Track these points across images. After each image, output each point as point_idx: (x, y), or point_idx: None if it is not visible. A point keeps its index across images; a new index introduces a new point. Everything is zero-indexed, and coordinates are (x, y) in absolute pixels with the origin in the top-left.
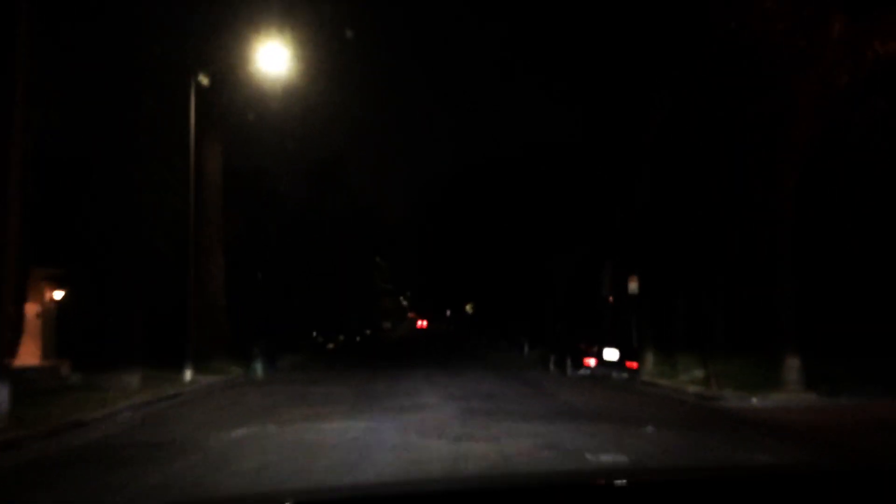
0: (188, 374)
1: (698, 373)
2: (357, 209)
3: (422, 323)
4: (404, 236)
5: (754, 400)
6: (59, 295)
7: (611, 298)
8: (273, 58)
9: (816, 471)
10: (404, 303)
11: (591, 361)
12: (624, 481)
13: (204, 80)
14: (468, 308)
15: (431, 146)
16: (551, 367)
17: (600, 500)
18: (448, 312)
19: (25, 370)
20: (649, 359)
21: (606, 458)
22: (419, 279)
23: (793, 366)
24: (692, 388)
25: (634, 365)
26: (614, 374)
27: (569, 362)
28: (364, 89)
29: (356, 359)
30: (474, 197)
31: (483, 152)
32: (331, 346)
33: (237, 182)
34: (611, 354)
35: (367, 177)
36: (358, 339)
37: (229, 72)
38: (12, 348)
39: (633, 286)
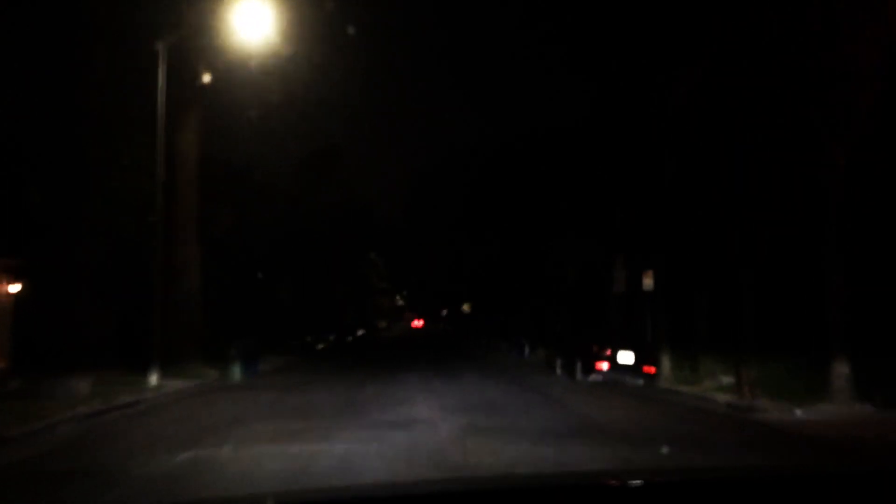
0: (153, 378)
1: (726, 378)
2: (352, 203)
3: (418, 322)
4: (400, 232)
5: (798, 412)
6: (14, 288)
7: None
8: (257, 25)
9: (835, 472)
10: (401, 302)
11: (604, 365)
12: (639, 482)
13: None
14: (465, 307)
15: (430, 136)
16: (558, 370)
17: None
18: (445, 312)
19: None
20: (666, 362)
21: None
22: (415, 277)
23: (842, 372)
24: (721, 397)
25: (652, 370)
26: (629, 380)
27: (578, 366)
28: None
29: (347, 360)
30: (472, 188)
31: (483, 140)
32: (321, 346)
33: (225, 173)
34: (626, 358)
35: (363, 171)
36: (350, 339)
37: (207, 43)
38: None
39: (647, 282)
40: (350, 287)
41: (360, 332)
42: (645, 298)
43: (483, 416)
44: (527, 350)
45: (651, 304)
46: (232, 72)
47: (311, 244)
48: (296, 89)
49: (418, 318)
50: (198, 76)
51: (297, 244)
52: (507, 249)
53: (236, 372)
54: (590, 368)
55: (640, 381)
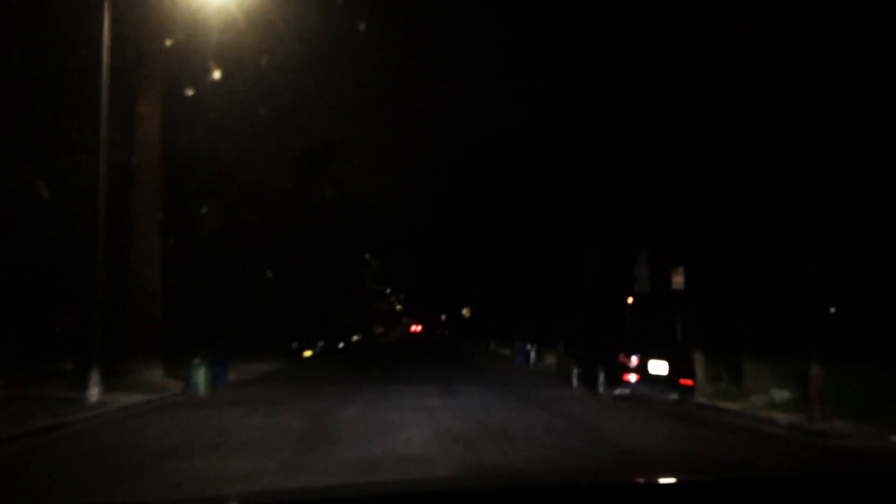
0: (94, 393)
1: (780, 393)
2: (346, 202)
3: (416, 327)
4: (397, 233)
5: None
6: None
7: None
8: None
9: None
10: (398, 306)
11: (633, 377)
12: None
13: None
14: (465, 312)
15: (429, 128)
16: (574, 382)
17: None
18: (444, 317)
19: None
20: (700, 372)
21: None
22: (413, 279)
23: None
24: (780, 416)
25: (690, 382)
26: (661, 394)
27: (601, 377)
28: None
29: (334, 369)
30: (474, 180)
31: (487, 127)
32: (307, 353)
33: (211, 170)
34: (658, 368)
35: (359, 169)
36: (342, 345)
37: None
38: None
39: (678, 279)
40: (344, 290)
41: (354, 338)
42: (673, 298)
43: (494, 450)
44: (533, 356)
45: (682, 305)
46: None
47: (302, 244)
48: (290, 86)
49: (416, 322)
50: (157, 40)
51: (287, 244)
52: (514, 242)
53: (200, 383)
54: (615, 380)
55: (675, 396)
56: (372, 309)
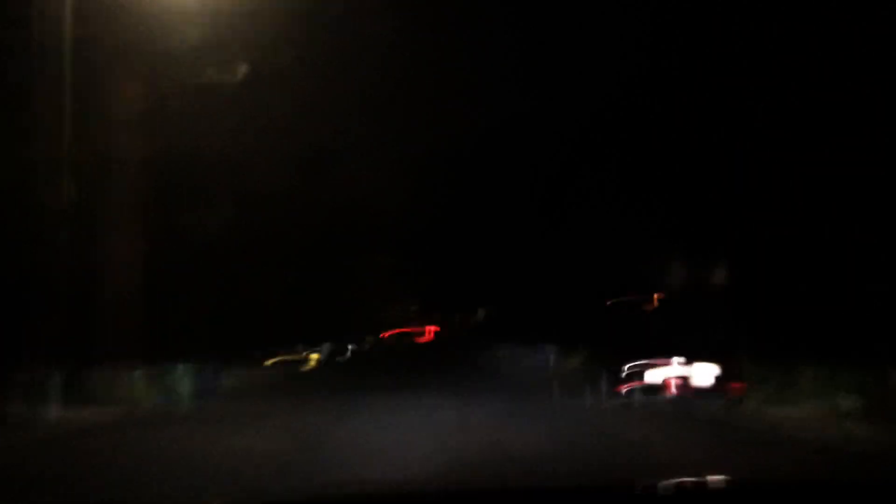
0: (52, 410)
1: (846, 400)
2: (354, 203)
3: (428, 331)
4: (409, 234)
5: None
6: None
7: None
8: None
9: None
10: (411, 309)
11: (673, 384)
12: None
13: None
14: (478, 315)
15: (435, 127)
16: (603, 389)
17: None
18: (459, 318)
19: None
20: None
21: None
22: (427, 281)
23: None
24: (857, 429)
25: (740, 387)
26: (704, 403)
27: (636, 385)
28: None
29: (340, 377)
30: (488, 175)
31: (498, 119)
32: (314, 359)
33: (211, 176)
34: (703, 373)
35: (367, 170)
36: (349, 351)
37: None
38: None
39: (718, 276)
40: (355, 293)
41: (365, 343)
42: (711, 297)
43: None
44: (552, 360)
45: (724, 304)
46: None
47: (309, 247)
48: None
49: (429, 326)
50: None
51: (294, 246)
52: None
53: (184, 395)
54: (653, 388)
55: (721, 404)
56: (386, 311)
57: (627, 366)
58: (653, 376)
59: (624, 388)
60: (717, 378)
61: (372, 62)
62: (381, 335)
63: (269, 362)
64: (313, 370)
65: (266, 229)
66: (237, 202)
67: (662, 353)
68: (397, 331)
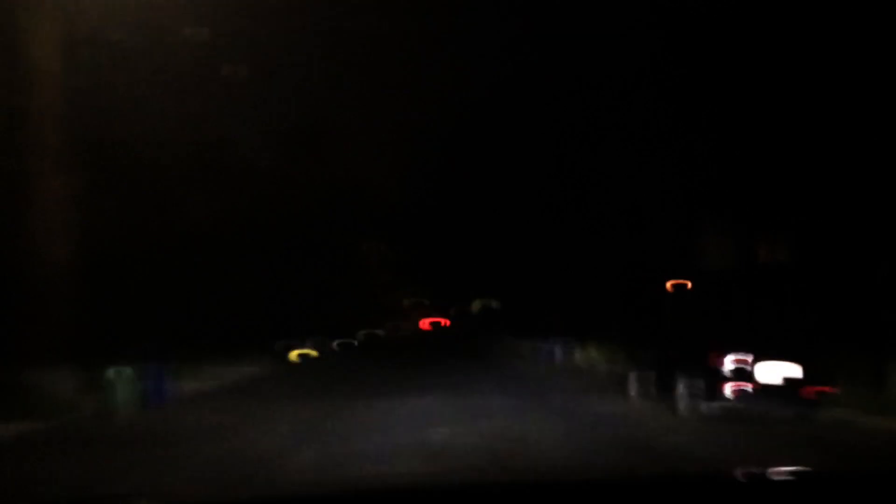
0: None
1: None
2: (346, 184)
3: (431, 322)
4: (406, 218)
5: None
6: None
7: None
8: None
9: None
10: (412, 299)
11: (739, 386)
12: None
13: None
14: (479, 304)
15: (430, 96)
16: (633, 391)
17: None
18: (463, 309)
19: None
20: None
21: None
22: (428, 268)
23: None
24: None
25: (829, 391)
26: (780, 408)
27: (683, 386)
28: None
29: (324, 376)
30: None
31: (500, 78)
32: (296, 354)
33: (194, 154)
34: (778, 372)
35: (360, 148)
36: (336, 344)
37: None
38: None
39: (775, 252)
40: (347, 282)
41: (360, 335)
42: (761, 277)
43: None
44: (559, 354)
45: (787, 286)
46: None
47: (296, 230)
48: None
49: (432, 317)
50: None
51: (277, 230)
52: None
53: (124, 400)
54: (711, 391)
55: (800, 410)
56: (381, 302)
57: (672, 363)
58: (713, 377)
59: (730, 390)
60: (803, 378)
61: (365, 37)
62: (376, 328)
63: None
64: (297, 367)
65: (247, 213)
66: (213, 182)
67: (725, 348)
68: (394, 323)
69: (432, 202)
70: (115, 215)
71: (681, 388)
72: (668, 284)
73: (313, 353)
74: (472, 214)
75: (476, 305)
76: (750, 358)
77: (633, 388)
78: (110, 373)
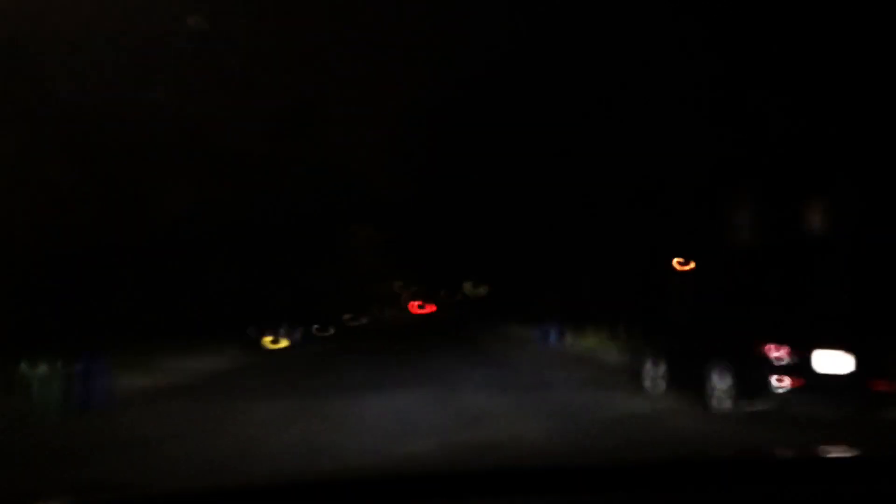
0: None
1: None
2: (331, 164)
3: (421, 308)
4: (395, 200)
5: None
6: None
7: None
8: None
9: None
10: (401, 285)
11: (787, 381)
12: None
13: None
14: (470, 288)
15: (422, 72)
16: (647, 382)
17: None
18: (453, 296)
19: None
20: None
21: None
22: (420, 253)
23: None
24: None
25: (887, 387)
26: (833, 406)
27: (716, 380)
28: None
29: (301, 367)
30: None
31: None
32: (271, 341)
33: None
34: (838, 363)
35: (348, 129)
36: (315, 329)
37: None
38: None
39: (816, 224)
40: (331, 267)
41: (344, 322)
42: (802, 250)
43: None
44: (552, 339)
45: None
46: None
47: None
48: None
49: (421, 302)
50: None
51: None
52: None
53: (46, 403)
54: (755, 386)
55: (864, 408)
56: (368, 287)
57: (778, 349)
58: (757, 370)
59: (779, 383)
60: (856, 371)
61: (353, 14)
62: (361, 314)
63: (227, 347)
64: (274, 358)
65: (218, 193)
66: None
67: (772, 336)
68: (380, 308)
69: (421, 182)
70: (54, 189)
71: (714, 381)
72: (689, 263)
73: (288, 342)
74: (463, 195)
75: (466, 289)
76: (802, 346)
77: (648, 381)
78: (24, 369)
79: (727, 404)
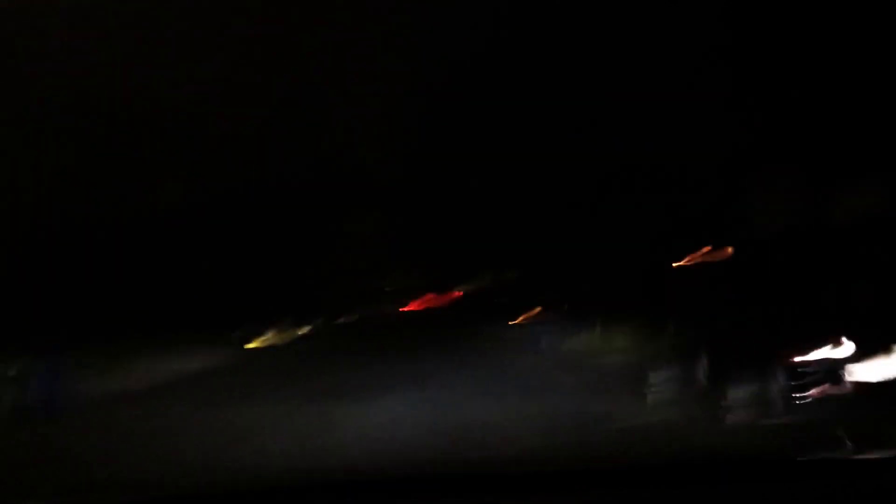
0: None
1: None
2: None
3: (424, 302)
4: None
5: None
6: None
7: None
8: None
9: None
10: (404, 276)
11: (830, 389)
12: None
13: None
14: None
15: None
16: (672, 390)
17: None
18: (454, 288)
19: None
20: None
21: None
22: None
23: None
24: None
25: None
26: (861, 416)
27: (741, 389)
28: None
29: (285, 370)
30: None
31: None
32: (259, 339)
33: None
34: (866, 369)
35: (350, 110)
36: (308, 327)
37: None
38: None
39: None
40: (333, 257)
41: (344, 317)
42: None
43: None
44: (543, 343)
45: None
46: None
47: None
48: None
49: (416, 297)
50: None
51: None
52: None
53: None
54: (791, 396)
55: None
56: (363, 281)
57: (815, 353)
58: (797, 377)
59: (815, 393)
60: None
61: None
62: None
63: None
64: (262, 357)
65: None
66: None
67: (810, 340)
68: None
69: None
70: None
71: (735, 390)
72: (704, 253)
73: (277, 339)
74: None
75: (466, 284)
76: (843, 350)
77: (654, 388)
78: None
79: (744, 415)
